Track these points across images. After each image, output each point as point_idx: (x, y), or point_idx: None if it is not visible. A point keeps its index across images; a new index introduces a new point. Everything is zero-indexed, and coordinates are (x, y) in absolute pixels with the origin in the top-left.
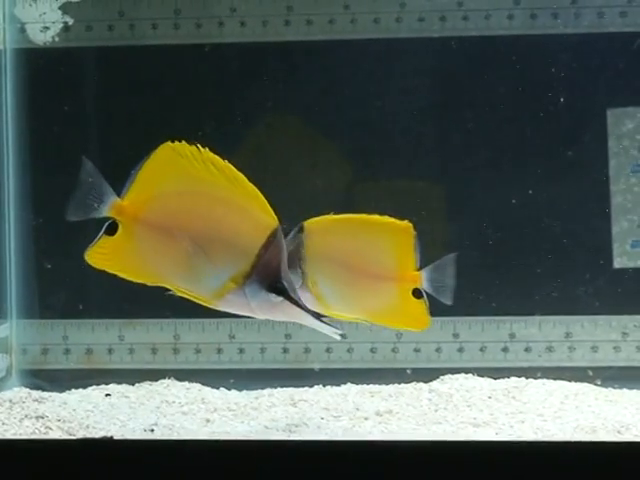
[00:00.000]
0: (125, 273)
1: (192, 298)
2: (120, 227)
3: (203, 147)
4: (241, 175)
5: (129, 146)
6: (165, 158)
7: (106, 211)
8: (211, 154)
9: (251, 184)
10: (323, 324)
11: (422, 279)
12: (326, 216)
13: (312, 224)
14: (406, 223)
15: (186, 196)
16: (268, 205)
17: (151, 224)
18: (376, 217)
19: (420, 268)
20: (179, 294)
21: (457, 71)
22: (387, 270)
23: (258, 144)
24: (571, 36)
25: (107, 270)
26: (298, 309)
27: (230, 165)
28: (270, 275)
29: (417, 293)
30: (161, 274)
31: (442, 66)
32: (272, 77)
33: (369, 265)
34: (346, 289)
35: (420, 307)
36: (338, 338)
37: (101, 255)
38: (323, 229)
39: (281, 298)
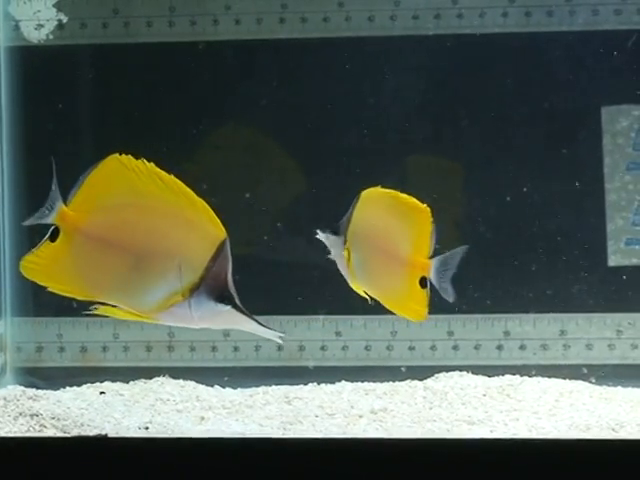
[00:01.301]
0: (57, 285)
1: (126, 316)
2: (61, 234)
3: (149, 161)
4: (188, 189)
5: (123, 144)
6: (112, 169)
7: (52, 217)
8: (157, 168)
9: (198, 197)
10: (265, 329)
11: (431, 268)
12: (377, 188)
13: (366, 193)
14: (425, 206)
15: (131, 209)
16: (216, 217)
17: (92, 235)
18: (402, 195)
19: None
20: (108, 313)
21: (452, 69)
22: (403, 252)
23: (250, 141)
24: (566, 34)
25: (38, 282)
26: (242, 316)
27: (176, 179)
28: (218, 286)
29: (423, 282)
30: (96, 288)
31: (437, 64)
32: (266, 75)
33: (390, 244)
34: (369, 264)
35: (422, 297)
36: (280, 341)
37: (35, 265)
38: (370, 200)
39: (228, 307)
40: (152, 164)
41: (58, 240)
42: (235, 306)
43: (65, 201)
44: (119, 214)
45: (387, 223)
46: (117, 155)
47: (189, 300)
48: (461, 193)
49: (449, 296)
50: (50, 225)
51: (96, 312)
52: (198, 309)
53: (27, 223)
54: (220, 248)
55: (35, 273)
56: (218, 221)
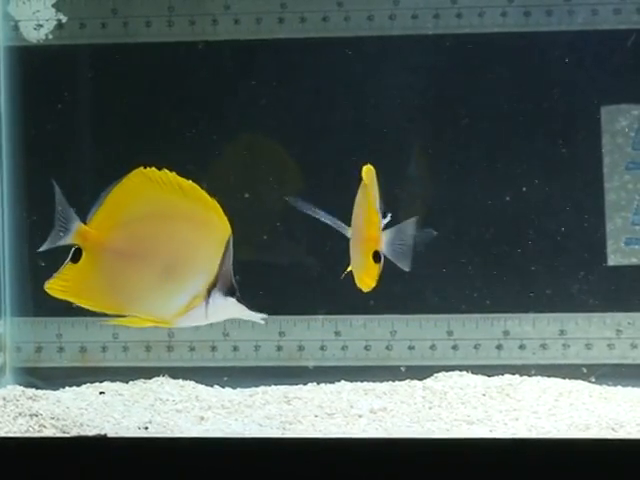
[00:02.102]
0: (87, 303)
1: (145, 323)
2: (84, 254)
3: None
4: (202, 191)
5: (123, 144)
6: (135, 183)
7: (71, 238)
8: (178, 177)
9: (209, 197)
10: (251, 312)
11: (382, 242)
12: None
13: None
14: (367, 167)
15: (152, 219)
16: (223, 213)
17: (117, 250)
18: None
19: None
20: (127, 323)
21: (451, 69)
22: (358, 227)
23: (249, 141)
24: (565, 33)
25: (67, 299)
26: (240, 305)
27: (194, 184)
28: (228, 280)
29: (376, 256)
30: (125, 301)
31: (436, 64)
32: (265, 75)
33: (356, 220)
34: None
35: (373, 270)
36: (262, 322)
37: (62, 286)
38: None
39: (234, 299)
40: (174, 173)
41: (82, 260)
42: (238, 297)
43: (84, 220)
44: (142, 226)
45: (360, 196)
46: (142, 169)
47: (207, 300)
48: (459, 193)
49: (405, 265)
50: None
51: (115, 322)
52: (214, 306)
53: (43, 249)
54: (227, 244)
55: (62, 293)
56: (225, 217)
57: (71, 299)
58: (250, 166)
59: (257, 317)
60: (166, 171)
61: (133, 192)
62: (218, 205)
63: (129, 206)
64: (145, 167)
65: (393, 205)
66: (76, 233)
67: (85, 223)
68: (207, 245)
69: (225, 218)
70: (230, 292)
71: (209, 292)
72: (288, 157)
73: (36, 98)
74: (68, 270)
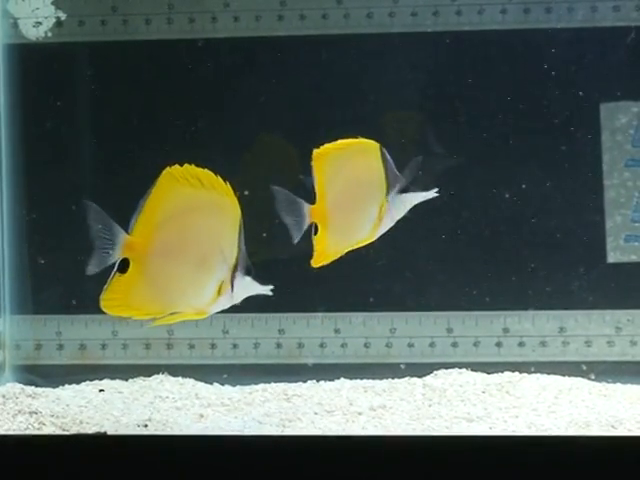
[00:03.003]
0: (138, 313)
1: (182, 317)
2: (131, 264)
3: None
4: (215, 177)
5: (122, 142)
6: (166, 186)
7: (119, 252)
8: (195, 168)
9: (222, 182)
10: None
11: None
12: None
13: None
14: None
15: (180, 217)
16: (233, 194)
17: (158, 254)
18: None
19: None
20: (165, 322)
21: (450, 66)
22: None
23: (250, 138)
24: (564, 31)
25: (122, 315)
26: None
27: (208, 172)
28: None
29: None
30: (170, 302)
31: (435, 61)
32: (265, 72)
33: None
34: None
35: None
36: (270, 293)
37: (114, 300)
38: None
39: (250, 277)
40: (192, 166)
41: (130, 270)
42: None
43: (127, 230)
44: (174, 225)
45: None
46: (169, 169)
47: (233, 283)
48: (458, 190)
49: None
50: None
51: (157, 322)
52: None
53: (93, 271)
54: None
55: (117, 309)
56: (235, 199)
57: (126, 314)
58: (249, 163)
59: (266, 289)
60: (187, 166)
61: (164, 194)
62: (229, 187)
63: (162, 208)
64: (170, 166)
65: None
66: (124, 246)
67: (128, 233)
68: (227, 229)
69: (235, 199)
70: (248, 271)
71: (233, 275)
72: (288, 153)
73: (35, 96)
74: (117, 283)
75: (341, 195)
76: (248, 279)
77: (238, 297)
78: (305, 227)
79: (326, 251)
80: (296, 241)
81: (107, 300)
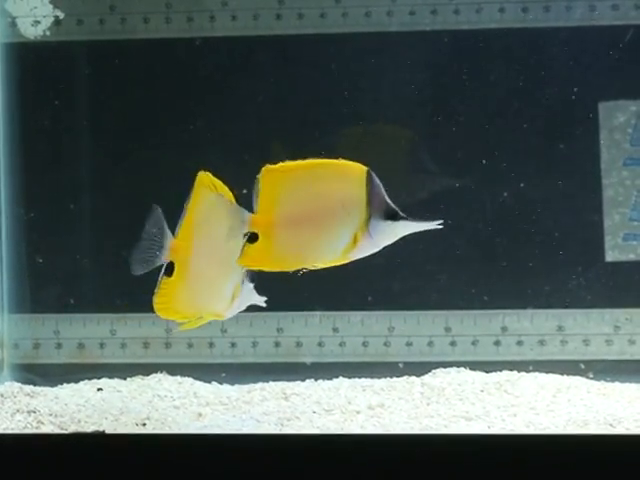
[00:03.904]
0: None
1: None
2: (176, 266)
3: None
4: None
5: (120, 141)
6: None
7: (165, 256)
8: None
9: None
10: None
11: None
12: None
13: None
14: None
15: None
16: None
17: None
18: None
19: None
20: (192, 326)
21: (449, 65)
22: None
23: (247, 136)
24: (562, 29)
25: (175, 319)
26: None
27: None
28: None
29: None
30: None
31: (433, 60)
32: (263, 71)
33: None
34: None
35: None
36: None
37: (166, 305)
38: None
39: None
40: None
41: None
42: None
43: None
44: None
45: None
46: (202, 174)
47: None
48: (457, 189)
49: None
50: None
51: (184, 327)
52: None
53: (140, 272)
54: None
55: (169, 312)
56: (357, 163)
57: (177, 318)
58: (247, 161)
59: (260, 301)
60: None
61: (199, 199)
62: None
63: (197, 212)
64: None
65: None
66: (171, 249)
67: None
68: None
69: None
70: (391, 216)
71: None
72: (284, 152)
73: (34, 95)
74: (165, 285)
75: (296, 211)
76: (250, 286)
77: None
78: (242, 233)
79: (260, 260)
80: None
81: (161, 304)
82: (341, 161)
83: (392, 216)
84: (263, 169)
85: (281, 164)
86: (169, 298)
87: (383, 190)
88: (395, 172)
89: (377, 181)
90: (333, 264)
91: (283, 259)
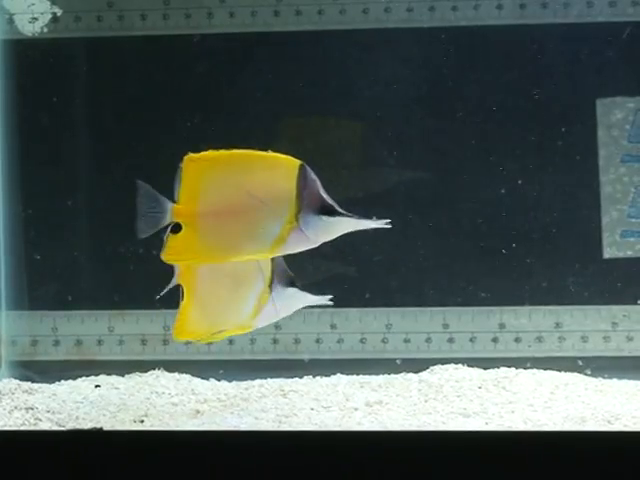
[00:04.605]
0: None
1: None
2: (183, 227)
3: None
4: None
5: (118, 137)
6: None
7: (168, 218)
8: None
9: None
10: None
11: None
12: None
13: None
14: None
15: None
16: (286, 156)
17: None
18: None
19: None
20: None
21: (446, 61)
22: None
23: (246, 133)
24: (560, 26)
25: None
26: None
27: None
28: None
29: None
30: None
31: (431, 56)
32: (261, 67)
33: None
34: None
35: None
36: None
37: (175, 252)
38: None
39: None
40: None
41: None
42: (338, 212)
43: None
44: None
45: None
46: (191, 155)
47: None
48: (455, 186)
49: None
50: None
51: (204, 340)
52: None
53: (144, 235)
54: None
55: (184, 334)
56: (289, 157)
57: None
58: None
59: (324, 300)
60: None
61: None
62: (274, 153)
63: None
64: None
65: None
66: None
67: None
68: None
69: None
70: (323, 211)
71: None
72: (281, 149)
73: (31, 91)
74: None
75: (220, 201)
76: (291, 290)
77: (285, 310)
78: (164, 224)
79: (184, 251)
80: (143, 236)
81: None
82: (270, 154)
83: (327, 212)
84: (186, 158)
85: (204, 153)
86: (182, 322)
87: (319, 185)
88: (390, 167)
89: (312, 176)
90: (263, 257)
91: (208, 251)
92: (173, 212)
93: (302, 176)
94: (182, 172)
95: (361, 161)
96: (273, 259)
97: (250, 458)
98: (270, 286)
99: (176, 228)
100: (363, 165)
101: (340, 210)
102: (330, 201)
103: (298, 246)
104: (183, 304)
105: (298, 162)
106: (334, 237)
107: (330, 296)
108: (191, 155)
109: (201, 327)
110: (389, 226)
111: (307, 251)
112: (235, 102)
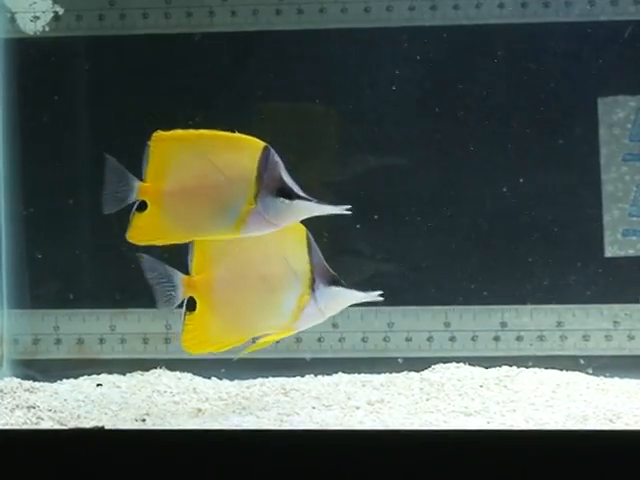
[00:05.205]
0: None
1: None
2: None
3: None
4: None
5: (119, 136)
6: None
7: (135, 196)
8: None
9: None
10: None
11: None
12: None
13: None
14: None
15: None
16: (252, 137)
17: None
18: None
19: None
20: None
21: (448, 60)
22: None
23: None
24: (562, 25)
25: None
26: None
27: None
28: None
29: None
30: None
31: (433, 55)
32: (262, 66)
33: None
34: None
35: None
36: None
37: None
38: None
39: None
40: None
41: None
42: (297, 196)
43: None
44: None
45: None
46: (159, 133)
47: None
48: (457, 184)
49: None
50: None
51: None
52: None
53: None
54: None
55: (202, 346)
56: (254, 138)
57: (210, 350)
58: None
59: (373, 296)
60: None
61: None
62: (241, 134)
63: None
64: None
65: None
66: (139, 191)
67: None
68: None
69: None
70: (281, 193)
71: (312, 288)
72: (283, 147)
73: (33, 90)
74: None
75: (186, 180)
76: (336, 289)
77: (330, 309)
78: (130, 201)
79: (149, 231)
80: (108, 212)
81: (187, 340)
82: (235, 134)
83: (286, 194)
84: (154, 135)
85: (172, 132)
86: (197, 334)
87: (281, 168)
88: (391, 164)
89: (274, 158)
90: (226, 237)
91: (172, 230)
92: (140, 190)
93: (264, 158)
94: (150, 150)
95: (359, 162)
96: (311, 260)
97: (251, 457)
98: (312, 287)
99: (141, 207)
100: (363, 164)
101: (299, 193)
102: (290, 184)
103: (259, 228)
104: (195, 315)
105: (262, 144)
106: (294, 221)
107: (379, 292)
108: (159, 133)
109: (225, 337)
110: (349, 212)
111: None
112: (236, 101)
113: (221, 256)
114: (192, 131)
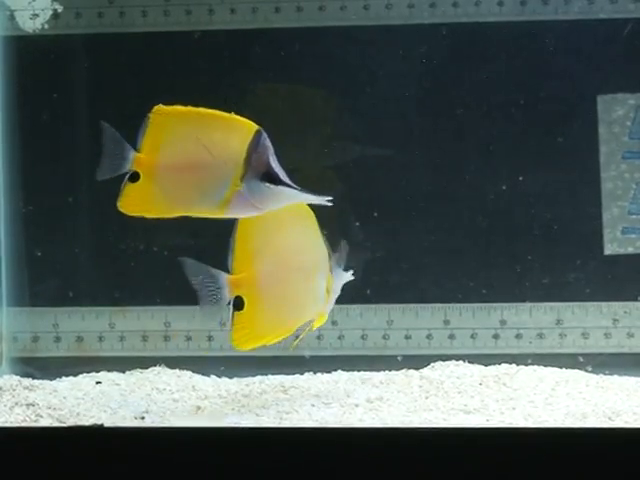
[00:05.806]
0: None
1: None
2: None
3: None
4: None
5: (119, 133)
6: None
7: (129, 165)
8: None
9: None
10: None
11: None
12: None
13: None
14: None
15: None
16: (246, 120)
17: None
18: None
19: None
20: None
21: (447, 58)
22: None
23: None
24: (561, 22)
25: (138, 214)
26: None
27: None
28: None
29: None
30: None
31: (432, 53)
32: (261, 64)
33: None
34: None
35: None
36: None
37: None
38: None
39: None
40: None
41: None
42: (281, 182)
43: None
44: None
45: None
46: (159, 107)
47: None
48: (456, 182)
49: None
50: None
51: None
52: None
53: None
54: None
55: (252, 342)
56: (249, 121)
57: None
58: None
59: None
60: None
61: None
62: (236, 115)
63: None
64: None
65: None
66: (133, 161)
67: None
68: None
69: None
70: (266, 178)
71: (242, 180)
72: (282, 145)
73: (32, 88)
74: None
75: (179, 155)
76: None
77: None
78: (124, 170)
79: (139, 202)
80: (101, 178)
81: (239, 338)
82: (231, 115)
83: (271, 179)
84: (155, 108)
85: (172, 107)
86: (248, 330)
87: (270, 152)
88: (392, 167)
89: (265, 142)
90: (212, 215)
91: (161, 204)
92: (134, 160)
93: (255, 141)
94: (149, 122)
95: (360, 162)
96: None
97: (251, 455)
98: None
99: (134, 177)
100: (364, 162)
101: (284, 180)
102: (277, 170)
103: (243, 210)
104: (244, 313)
105: (256, 127)
106: (277, 206)
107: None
108: (160, 107)
109: (275, 330)
110: (330, 204)
111: None
112: (235, 99)
113: (260, 252)
114: (192, 108)
